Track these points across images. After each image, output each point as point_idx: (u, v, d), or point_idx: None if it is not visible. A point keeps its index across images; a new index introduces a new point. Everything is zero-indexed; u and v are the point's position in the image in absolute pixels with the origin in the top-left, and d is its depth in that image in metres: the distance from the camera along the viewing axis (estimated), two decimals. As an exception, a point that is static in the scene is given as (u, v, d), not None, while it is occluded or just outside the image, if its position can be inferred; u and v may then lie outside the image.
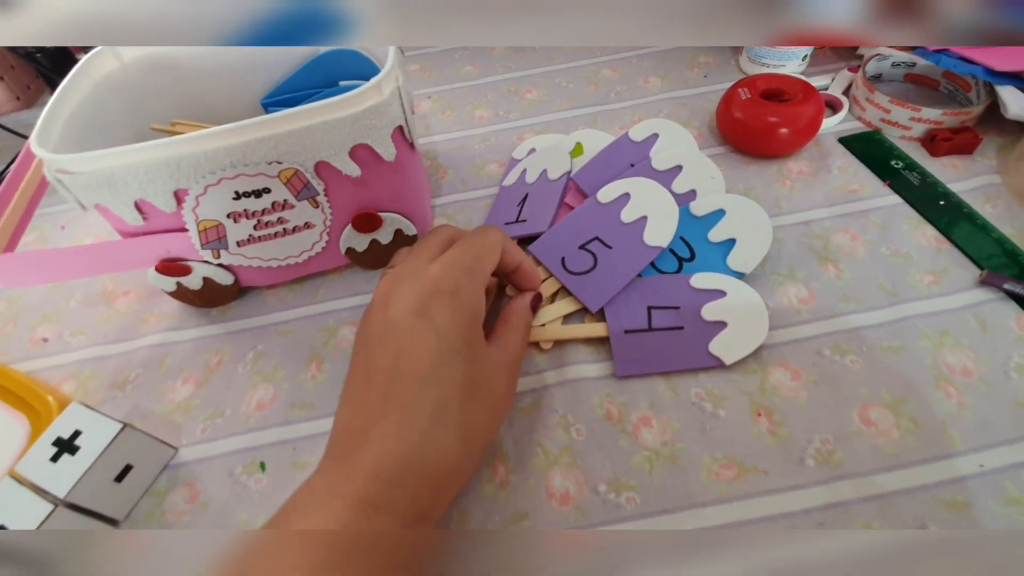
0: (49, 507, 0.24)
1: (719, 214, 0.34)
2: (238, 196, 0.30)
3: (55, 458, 0.26)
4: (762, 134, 0.39)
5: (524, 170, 0.42)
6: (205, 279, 0.34)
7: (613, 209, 0.34)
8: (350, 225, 0.34)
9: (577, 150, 0.43)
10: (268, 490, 0.28)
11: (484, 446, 0.24)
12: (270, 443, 0.30)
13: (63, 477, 0.25)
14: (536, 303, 0.30)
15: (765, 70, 0.48)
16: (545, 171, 0.40)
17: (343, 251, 0.35)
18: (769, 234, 0.33)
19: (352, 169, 0.30)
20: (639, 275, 0.33)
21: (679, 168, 0.37)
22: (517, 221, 0.38)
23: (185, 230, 0.31)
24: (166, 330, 0.36)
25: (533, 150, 0.44)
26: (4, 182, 0.32)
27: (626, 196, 0.34)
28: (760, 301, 0.31)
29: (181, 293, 0.35)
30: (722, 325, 0.30)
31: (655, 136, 0.40)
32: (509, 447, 0.28)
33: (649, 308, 0.31)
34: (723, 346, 0.29)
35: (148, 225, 0.30)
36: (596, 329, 0.32)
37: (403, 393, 0.21)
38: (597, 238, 0.34)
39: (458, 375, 0.22)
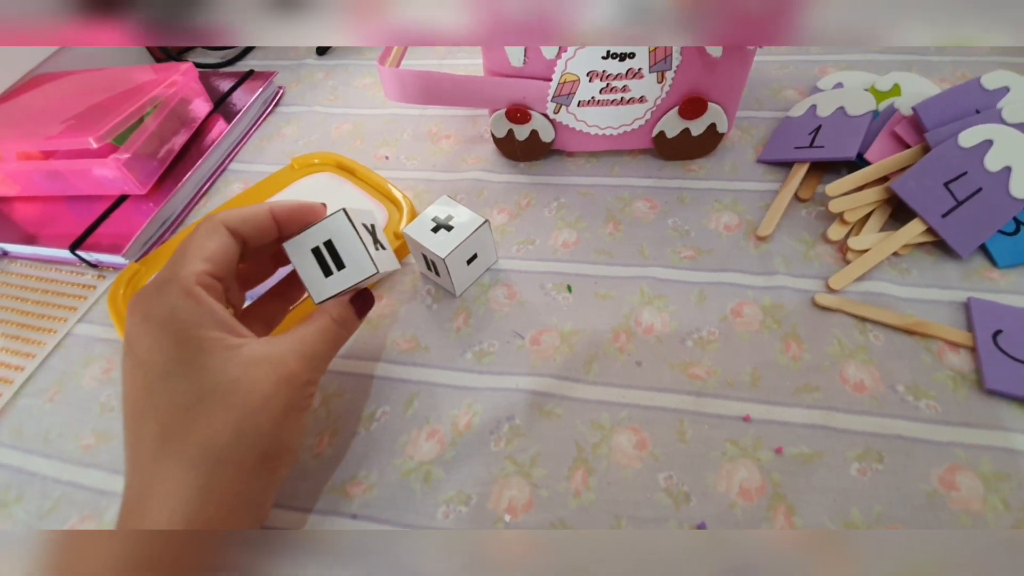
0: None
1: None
2: (607, 56, 0.34)
3: (435, 231, 0.33)
4: None
5: (813, 105, 0.42)
6: (532, 131, 0.39)
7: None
8: (676, 108, 0.37)
9: (894, 90, 0.41)
10: (573, 307, 0.33)
11: (261, 454, 0.21)
12: (575, 273, 0.35)
13: (443, 246, 0.32)
14: (358, 303, 0.26)
15: None
16: (843, 108, 0.40)
17: (654, 134, 0.39)
18: None
19: (716, 49, 0.33)
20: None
21: (1030, 123, 0.34)
22: (812, 146, 0.39)
23: (548, 79, 0.35)
24: (482, 170, 0.42)
25: (840, 84, 0.43)
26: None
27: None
28: None
29: (506, 141, 0.41)
30: None
31: (1006, 88, 0.37)
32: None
33: None
34: None
35: (524, 69, 0.35)
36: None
37: (130, 438, 0.21)
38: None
39: (178, 397, 0.20)
